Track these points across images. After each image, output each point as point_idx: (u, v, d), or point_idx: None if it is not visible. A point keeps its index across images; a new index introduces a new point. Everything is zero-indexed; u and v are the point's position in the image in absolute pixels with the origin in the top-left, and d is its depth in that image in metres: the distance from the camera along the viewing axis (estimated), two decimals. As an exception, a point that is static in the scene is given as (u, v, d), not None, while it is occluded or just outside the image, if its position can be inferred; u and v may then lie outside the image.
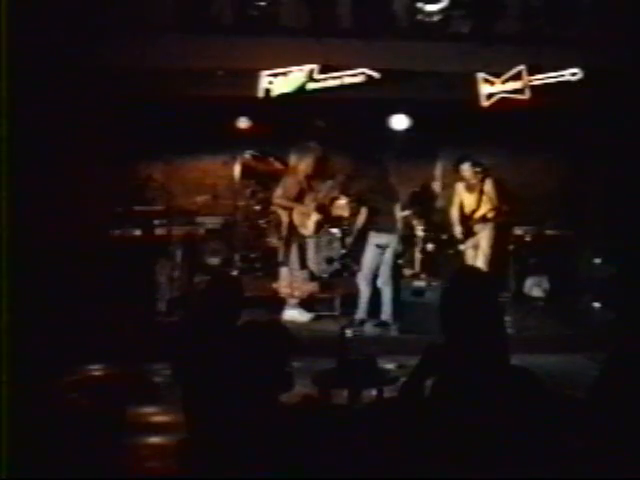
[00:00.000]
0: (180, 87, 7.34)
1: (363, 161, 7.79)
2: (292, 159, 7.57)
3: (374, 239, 7.21)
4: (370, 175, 7.39)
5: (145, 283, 7.27)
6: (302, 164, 7.45)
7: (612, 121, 7.51)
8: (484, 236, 7.62)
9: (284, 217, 7.50)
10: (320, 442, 2.54)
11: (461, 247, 7.76)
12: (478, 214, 7.61)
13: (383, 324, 7.15)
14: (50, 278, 6.37)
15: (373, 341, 6.62)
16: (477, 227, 7.62)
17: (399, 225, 7.34)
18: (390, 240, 7.23)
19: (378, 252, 7.19)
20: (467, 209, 7.73)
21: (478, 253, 7.62)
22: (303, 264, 7.48)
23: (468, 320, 2.51)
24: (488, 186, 7.63)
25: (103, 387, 5.50)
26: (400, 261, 8.69)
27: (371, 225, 7.25)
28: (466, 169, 7.71)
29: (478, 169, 7.60)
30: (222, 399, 2.97)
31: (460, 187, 7.85)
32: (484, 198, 7.60)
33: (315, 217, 7.43)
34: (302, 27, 6.88)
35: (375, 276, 7.23)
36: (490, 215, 7.58)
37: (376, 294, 7.26)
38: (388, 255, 7.24)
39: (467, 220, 7.71)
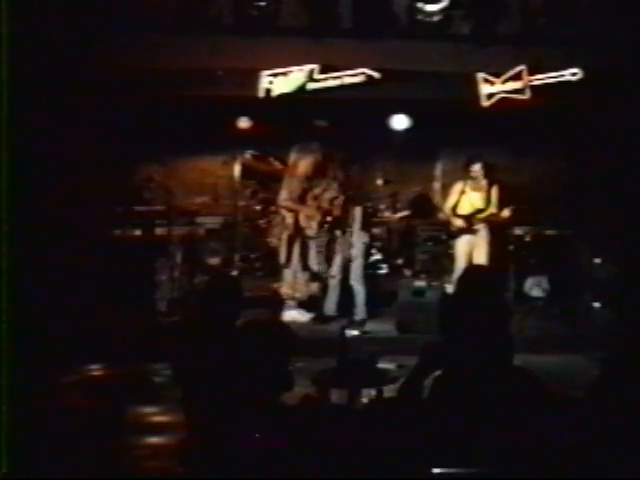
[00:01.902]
0: (180, 87, 7.34)
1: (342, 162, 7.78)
2: (291, 159, 7.58)
3: (363, 237, 7.26)
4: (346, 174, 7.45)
5: (145, 283, 7.27)
6: (301, 165, 7.45)
7: (612, 121, 7.51)
8: (482, 236, 7.55)
9: (289, 219, 7.50)
10: (320, 442, 2.53)
11: (457, 243, 7.67)
12: (481, 216, 7.53)
13: (358, 323, 7.16)
14: (50, 278, 6.37)
15: (373, 341, 6.62)
16: (476, 227, 7.56)
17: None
18: (369, 238, 7.45)
19: (365, 250, 7.30)
20: (469, 208, 7.63)
21: (476, 252, 7.55)
22: (305, 265, 7.49)
23: (471, 320, 2.51)
24: (495, 191, 7.54)
25: (103, 387, 5.50)
26: (400, 261, 8.71)
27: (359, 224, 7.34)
28: (477, 170, 7.54)
29: (489, 171, 7.53)
30: (222, 399, 2.97)
31: (464, 185, 7.65)
32: (491, 202, 7.52)
33: (318, 217, 7.43)
34: (302, 27, 6.88)
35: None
36: (492, 218, 7.49)
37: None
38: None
39: (467, 219, 7.61)
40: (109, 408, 4.61)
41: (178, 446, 3.42)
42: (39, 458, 3.59)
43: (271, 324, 3.02)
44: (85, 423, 4.14)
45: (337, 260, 7.31)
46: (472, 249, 7.55)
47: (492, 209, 7.51)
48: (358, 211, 7.30)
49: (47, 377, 5.14)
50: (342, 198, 7.38)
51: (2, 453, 3.15)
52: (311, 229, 7.44)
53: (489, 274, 2.89)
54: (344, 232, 7.28)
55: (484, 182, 7.57)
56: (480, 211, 7.55)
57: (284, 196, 7.50)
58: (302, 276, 7.47)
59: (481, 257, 7.46)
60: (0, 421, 3.21)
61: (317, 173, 7.47)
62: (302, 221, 7.44)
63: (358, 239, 7.29)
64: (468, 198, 7.60)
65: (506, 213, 7.42)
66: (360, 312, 7.28)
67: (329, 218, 7.45)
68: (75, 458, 3.69)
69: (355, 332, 6.81)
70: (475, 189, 7.60)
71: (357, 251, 7.26)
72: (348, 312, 7.24)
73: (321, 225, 7.43)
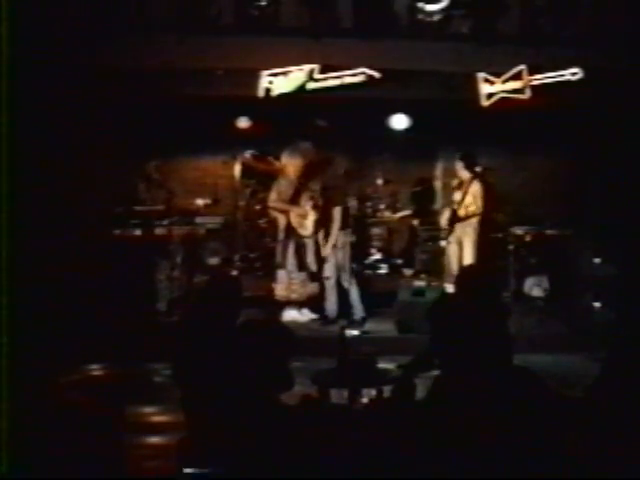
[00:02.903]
0: (180, 87, 7.34)
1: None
2: (283, 160, 7.60)
3: (348, 238, 7.26)
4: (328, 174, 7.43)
5: (145, 283, 7.27)
6: (291, 165, 7.45)
7: (612, 121, 7.50)
8: (466, 235, 7.52)
9: (281, 219, 7.50)
10: (320, 442, 2.54)
11: (443, 243, 7.68)
12: (459, 213, 7.53)
13: (357, 322, 7.16)
14: (50, 278, 6.37)
15: (373, 341, 6.62)
16: (458, 225, 7.54)
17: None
18: (351, 237, 7.42)
19: (350, 250, 7.31)
20: (454, 207, 7.65)
21: (460, 251, 7.54)
22: (302, 266, 7.47)
23: (470, 320, 2.51)
24: (475, 187, 7.49)
25: (103, 387, 5.50)
26: (400, 261, 8.70)
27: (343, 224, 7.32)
28: (459, 167, 7.60)
29: (469, 167, 7.53)
30: (222, 399, 2.97)
31: (454, 184, 7.72)
32: (468, 198, 7.49)
33: (312, 217, 7.40)
34: (302, 27, 6.88)
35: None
36: (469, 215, 7.47)
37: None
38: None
39: (453, 217, 7.60)
40: (109, 408, 4.61)
41: (178, 446, 3.41)
42: (39, 458, 3.58)
43: (270, 324, 3.02)
44: (85, 423, 4.13)
45: (329, 261, 7.29)
46: (455, 248, 7.55)
47: (468, 206, 7.45)
48: (337, 211, 7.26)
49: (47, 377, 5.13)
50: (322, 198, 7.36)
51: (2, 453, 3.14)
52: (304, 229, 7.43)
53: (486, 275, 2.89)
54: (326, 233, 7.27)
55: (466, 180, 7.55)
56: (458, 210, 7.54)
57: (273, 197, 7.52)
58: (297, 276, 7.46)
59: (468, 257, 7.43)
60: (0, 421, 3.21)
61: (310, 173, 7.45)
62: (293, 221, 7.43)
63: (341, 239, 7.26)
64: (455, 199, 7.64)
65: (482, 211, 7.40)
66: (357, 311, 7.27)
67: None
68: (75, 458, 3.69)
69: (355, 332, 6.81)
70: (459, 188, 7.62)
71: (341, 251, 7.24)
72: (348, 312, 7.25)
73: (318, 224, 7.41)
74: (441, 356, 2.51)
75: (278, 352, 2.79)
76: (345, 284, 7.25)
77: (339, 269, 7.26)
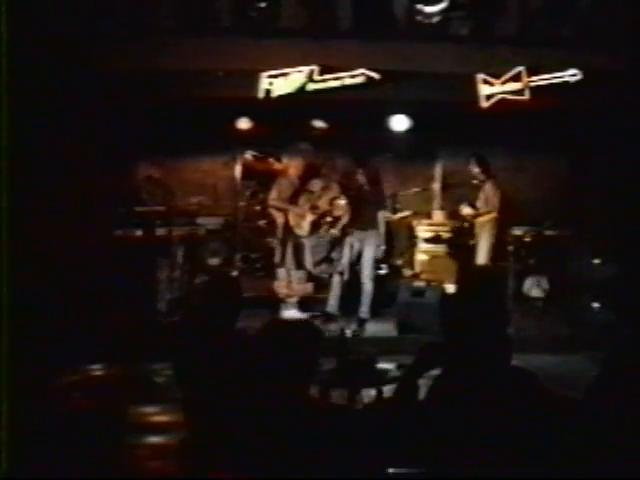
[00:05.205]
0: (180, 87, 7.34)
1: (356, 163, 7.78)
2: (283, 161, 7.65)
3: (377, 239, 7.30)
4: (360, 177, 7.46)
5: (146, 283, 7.27)
6: (292, 165, 7.51)
7: (612, 121, 7.51)
8: (481, 235, 7.60)
9: (279, 218, 7.55)
10: (320, 442, 2.54)
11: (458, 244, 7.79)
12: (476, 214, 7.62)
13: (360, 322, 7.18)
14: (50, 278, 6.37)
15: (373, 341, 6.63)
16: (476, 226, 7.65)
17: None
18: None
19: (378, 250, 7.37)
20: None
21: (476, 251, 7.63)
22: (299, 264, 7.52)
23: (471, 320, 2.51)
24: (488, 187, 7.59)
25: (103, 387, 5.50)
26: (399, 261, 8.71)
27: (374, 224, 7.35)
28: (473, 169, 7.75)
29: (483, 169, 7.61)
30: (221, 399, 2.97)
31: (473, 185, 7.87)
32: (482, 198, 7.59)
33: (310, 217, 7.46)
34: (302, 28, 6.89)
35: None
36: (483, 215, 7.56)
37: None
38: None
39: (471, 218, 7.72)
40: (109, 408, 4.61)
41: (178, 446, 3.42)
42: (39, 458, 3.59)
43: (270, 323, 3.02)
44: (85, 423, 4.14)
45: (345, 258, 7.34)
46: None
47: (484, 207, 7.56)
48: (382, 215, 7.33)
49: (47, 377, 5.14)
50: (343, 198, 7.40)
51: (2, 453, 3.15)
52: (301, 229, 7.47)
53: (489, 275, 2.90)
54: (363, 231, 7.31)
55: (481, 178, 7.65)
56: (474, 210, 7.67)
57: (274, 195, 7.58)
58: (296, 275, 7.50)
59: (482, 257, 7.51)
60: (0, 421, 3.21)
61: (309, 173, 7.50)
62: (291, 220, 7.49)
63: (375, 240, 7.32)
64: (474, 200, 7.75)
65: (497, 212, 7.48)
66: (364, 312, 7.28)
67: (329, 218, 7.47)
68: (75, 458, 3.69)
69: (354, 332, 6.82)
70: (476, 189, 7.71)
71: (371, 250, 7.30)
72: (351, 311, 7.26)
73: (314, 225, 7.45)
74: (445, 353, 2.51)
75: (288, 353, 2.79)
76: (365, 282, 7.27)
77: (361, 268, 7.30)
